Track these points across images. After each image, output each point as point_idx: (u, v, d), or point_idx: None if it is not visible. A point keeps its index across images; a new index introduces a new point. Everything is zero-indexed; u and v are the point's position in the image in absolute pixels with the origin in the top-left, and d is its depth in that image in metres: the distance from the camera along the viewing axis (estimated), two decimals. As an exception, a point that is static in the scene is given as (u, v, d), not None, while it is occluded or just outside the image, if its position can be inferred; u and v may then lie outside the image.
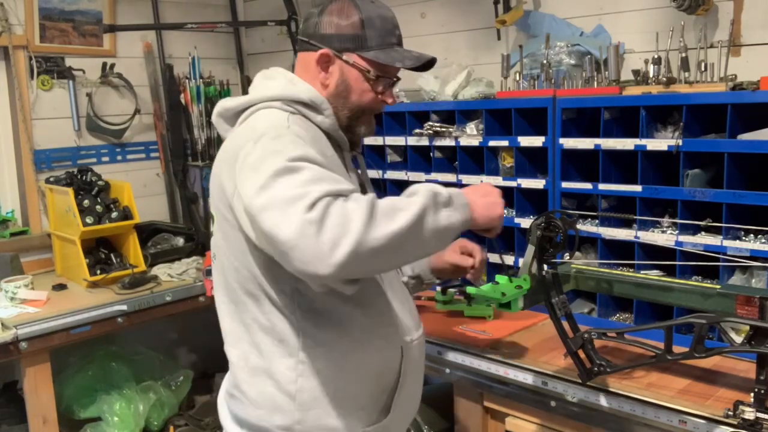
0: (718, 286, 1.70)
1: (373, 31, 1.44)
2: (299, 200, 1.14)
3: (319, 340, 1.39)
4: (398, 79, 1.53)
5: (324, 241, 1.11)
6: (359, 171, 1.60)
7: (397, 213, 1.19)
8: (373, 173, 2.72)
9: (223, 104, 1.49)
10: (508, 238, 2.41)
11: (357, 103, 1.48)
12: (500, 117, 2.43)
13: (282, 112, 1.41)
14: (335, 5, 1.45)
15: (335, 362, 1.40)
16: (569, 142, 2.20)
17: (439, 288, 2.42)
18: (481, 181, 2.45)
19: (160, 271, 3.03)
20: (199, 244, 3.28)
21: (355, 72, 1.46)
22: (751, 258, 1.83)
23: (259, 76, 1.52)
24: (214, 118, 1.52)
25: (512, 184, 2.36)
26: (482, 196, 1.40)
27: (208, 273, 2.93)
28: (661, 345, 1.58)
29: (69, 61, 3.36)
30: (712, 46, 2.18)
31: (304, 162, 1.22)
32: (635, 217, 2.06)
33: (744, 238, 1.89)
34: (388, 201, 1.22)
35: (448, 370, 2.14)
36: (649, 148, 2.02)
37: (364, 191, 1.49)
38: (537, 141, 2.28)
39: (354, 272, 1.18)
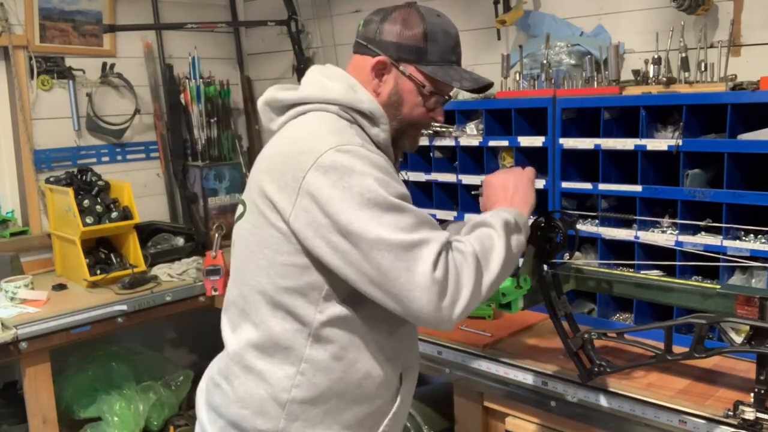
0: (718, 286, 1.70)
1: (435, 46, 1.40)
2: (419, 249, 1.22)
3: (327, 354, 1.35)
4: (450, 98, 1.49)
5: (445, 301, 1.23)
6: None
7: (490, 257, 1.32)
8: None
9: (274, 95, 1.44)
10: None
11: (407, 117, 1.44)
12: (500, 117, 2.43)
13: (339, 119, 1.37)
14: (400, 13, 1.40)
15: (335, 380, 1.36)
16: (569, 142, 2.20)
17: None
18: (481, 182, 2.45)
19: (160, 271, 3.03)
20: (199, 244, 3.28)
21: (410, 84, 1.41)
22: (751, 258, 1.83)
23: (316, 72, 1.46)
24: (260, 106, 1.46)
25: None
26: (525, 193, 1.49)
27: (208, 273, 2.93)
28: (661, 345, 1.58)
29: (69, 61, 3.36)
30: (712, 46, 2.18)
31: (402, 201, 1.26)
32: (635, 217, 2.06)
33: (744, 238, 1.89)
34: (478, 244, 1.32)
35: (448, 370, 2.14)
36: (649, 148, 2.02)
37: None
38: (537, 141, 2.28)
39: (464, 317, 1.30)
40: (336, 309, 1.33)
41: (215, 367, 1.50)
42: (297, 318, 1.34)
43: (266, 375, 1.36)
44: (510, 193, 1.48)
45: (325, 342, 1.34)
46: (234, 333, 1.44)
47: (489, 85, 1.48)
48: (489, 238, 1.33)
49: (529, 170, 1.55)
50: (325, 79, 1.42)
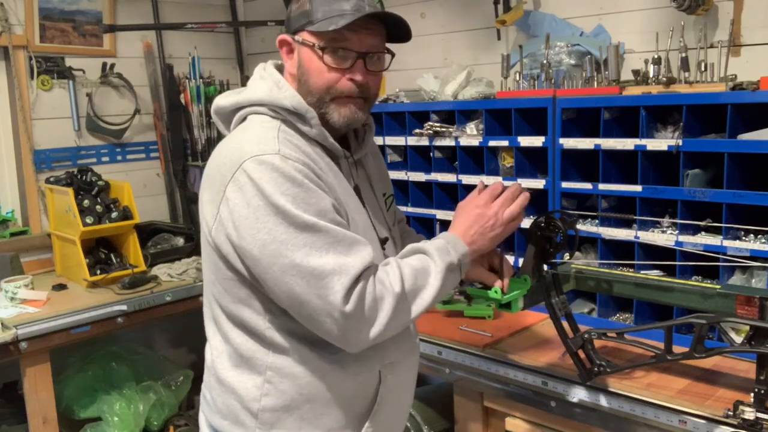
0: (718, 286, 1.70)
1: (320, 3, 1.31)
2: (331, 278, 1.21)
3: (289, 360, 1.35)
4: (364, 54, 1.33)
5: (354, 330, 1.24)
6: (365, 176, 1.51)
7: (418, 295, 1.31)
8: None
9: (218, 103, 1.44)
10: (508, 238, 2.40)
11: (317, 86, 1.34)
12: (500, 117, 2.43)
13: (271, 120, 1.35)
14: None
15: (303, 385, 1.36)
16: (569, 142, 2.20)
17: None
18: (481, 181, 2.45)
19: (160, 271, 3.02)
20: (199, 244, 3.27)
21: (306, 51, 1.34)
22: (751, 258, 1.83)
23: (257, 72, 1.44)
24: (212, 115, 1.47)
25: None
26: (480, 228, 1.41)
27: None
28: (661, 345, 1.58)
29: (69, 61, 3.36)
30: (712, 46, 2.18)
31: (317, 219, 1.23)
32: (635, 217, 2.06)
33: (744, 238, 1.89)
34: (410, 281, 1.30)
35: (448, 370, 2.14)
36: (649, 148, 2.02)
37: (357, 192, 1.44)
38: (537, 141, 2.28)
39: (374, 344, 1.30)
40: (282, 318, 1.33)
41: (203, 379, 1.53)
42: (250, 329, 1.35)
43: (236, 386, 1.38)
44: (479, 227, 1.41)
45: (283, 349, 1.35)
46: (209, 345, 1.47)
47: (395, 25, 1.34)
48: (425, 275, 1.32)
49: (522, 198, 1.45)
50: (257, 79, 1.41)
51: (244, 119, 1.39)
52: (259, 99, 1.37)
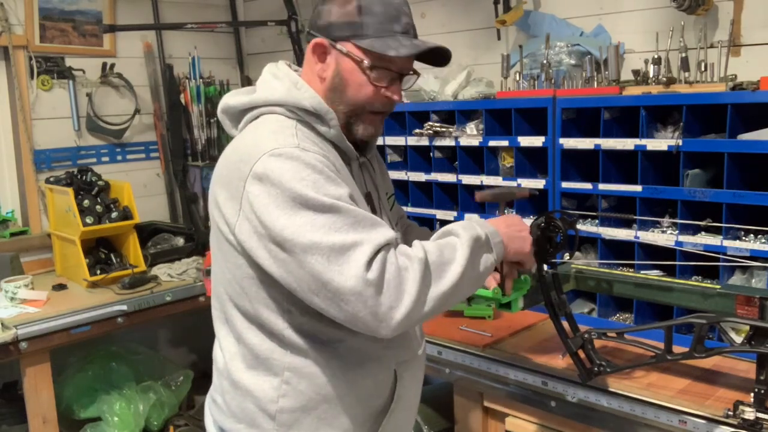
0: (718, 286, 1.70)
1: (372, 18, 1.32)
2: (353, 251, 1.17)
3: (308, 361, 1.33)
4: (410, 74, 1.41)
5: (382, 303, 1.17)
6: (370, 178, 1.51)
7: (446, 269, 1.25)
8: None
9: (227, 101, 1.42)
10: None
11: (354, 99, 1.36)
12: (500, 117, 2.43)
13: (286, 119, 1.34)
14: None
15: (321, 385, 1.34)
16: (569, 142, 2.20)
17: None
18: (481, 182, 2.46)
19: (160, 271, 3.02)
20: (199, 244, 3.28)
21: (349, 62, 1.34)
22: (751, 258, 1.83)
23: (267, 71, 1.43)
24: (219, 114, 1.45)
25: (512, 184, 2.35)
26: (514, 230, 1.43)
27: (208, 273, 2.91)
28: (661, 345, 1.58)
29: (69, 61, 3.36)
30: (712, 46, 2.18)
31: (336, 201, 1.21)
32: (635, 217, 2.06)
33: (744, 238, 1.89)
34: (435, 252, 1.26)
35: (448, 370, 2.14)
36: (649, 148, 2.02)
37: (369, 200, 1.44)
38: (537, 141, 2.28)
39: (407, 328, 1.24)
40: (303, 317, 1.31)
41: (213, 384, 1.51)
42: (269, 329, 1.33)
43: (252, 388, 1.36)
44: (511, 229, 1.43)
45: (302, 349, 1.33)
46: (220, 348, 1.45)
47: (444, 54, 1.38)
48: (452, 249, 1.28)
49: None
50: (272, 79, 1.40)
51: (255, 119, 1.38)
52: (276, 99, 1.35)
